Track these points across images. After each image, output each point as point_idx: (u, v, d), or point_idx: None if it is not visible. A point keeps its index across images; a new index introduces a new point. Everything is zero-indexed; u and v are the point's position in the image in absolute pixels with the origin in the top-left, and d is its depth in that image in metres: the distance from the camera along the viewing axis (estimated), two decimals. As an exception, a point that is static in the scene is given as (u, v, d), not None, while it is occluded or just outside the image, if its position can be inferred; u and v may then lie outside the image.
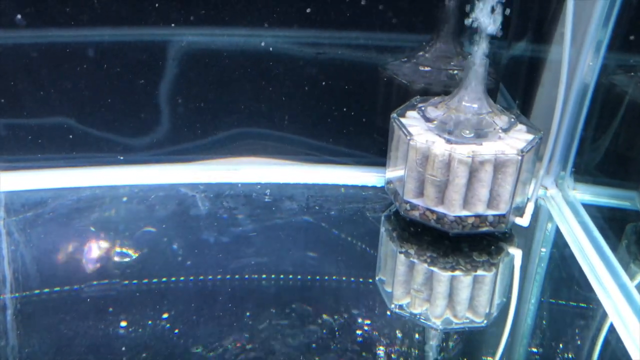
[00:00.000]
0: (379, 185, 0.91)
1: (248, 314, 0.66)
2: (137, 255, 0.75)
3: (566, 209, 0.84)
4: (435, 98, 0.82)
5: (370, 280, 0.74)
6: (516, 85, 0.96)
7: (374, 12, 0.93)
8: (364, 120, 0.97)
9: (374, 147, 0.96)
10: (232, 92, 0.94)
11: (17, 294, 0.68)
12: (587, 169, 0.87)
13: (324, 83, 0.96)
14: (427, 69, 0.92)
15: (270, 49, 0.93)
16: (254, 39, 0.92)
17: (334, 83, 0.96)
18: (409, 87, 0.92)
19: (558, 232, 0.82)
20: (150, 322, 0.65)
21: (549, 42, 0.92)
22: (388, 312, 0.69)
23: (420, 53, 0.94)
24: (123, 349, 0.61)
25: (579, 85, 0.82)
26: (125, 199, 0.86)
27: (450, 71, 0.92)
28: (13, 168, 0.87)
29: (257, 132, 0.96)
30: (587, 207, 0.84)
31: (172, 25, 0.90)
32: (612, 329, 0.67)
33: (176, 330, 0.64)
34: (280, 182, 0.91)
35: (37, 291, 0.69)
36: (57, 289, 0.70)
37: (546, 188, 0.89)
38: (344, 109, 0.97)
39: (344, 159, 0.97)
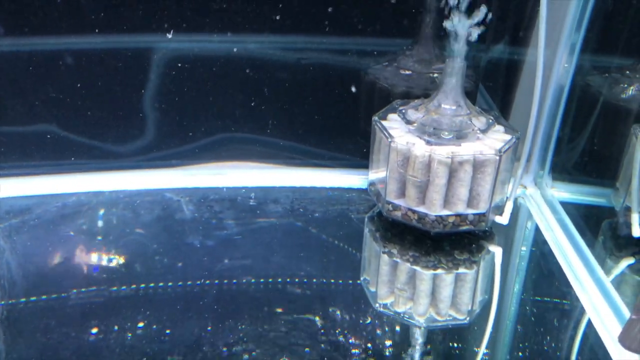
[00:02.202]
0: (362, 187, 0.93)
1: (235, 316, 0.67)
2: (123, 260, 0.76)
3: (545, 207, 0.86)
4: (416, 101, 0.83)
5: (354, 281, 0.75)
6: (495, 87, 0.98)
7: (355, 18, 0.95)
8: (347, 123, 0.99)
9: (357, 150, 0.98)
10: (216, 98, 0.95)
11: (1, 302, 0.69)
12: (564, 167, 0.89)
13: (307, 88, 0.97)
14: (408, 72, 0.94)
15: (254, 55, 0.94)
16: (237, 45, 0.93)
17: (317, 88, 0.97)
18: (390, 90, 0.93)
19: (537, 230, 0.84)
20: (136, 326, 0.65)
21: (526, 45, 0.94)
22: (372, 312, 0.70)
23: (401, 57, 0.96)
24: (109, 355, 0.61)
25: (554, 87, 0.84)
26: (109, 205, 0.86)
27: (431, 74, 0.93)
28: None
29: (242, 137, 0.97)
30: (565, 204, 0.86)
31: (156, 32, 0.90)
32: (589, 323, 0.68)
33: (162, 335, 0.64)
34: (265, 186, 0.92)
35: (22, 299, 0.69)
36: (43, 297, 0.70)
37: (525, 187, 0.91)
38: (327, 113, 0.98)
39: (327, 162, 0.98)
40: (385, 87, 0.94)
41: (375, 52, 0.98)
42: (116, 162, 0.93)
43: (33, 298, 0.70)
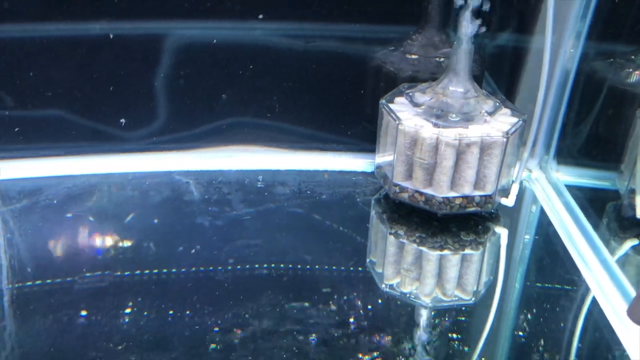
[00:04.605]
0: (368, 170, 0.93)
1: (245, 297, 0.68)
2: (132, 242, 0.77)
3: (550, 190, 0.87)
4: (423, 84, 0.84)
5: (361, 262, 0.76)
6: (500, 73, 0.99)
7: (361, 3, 0.96)
8: (353, 108, 0.99)
9: (363, 134, 0.99)
10: (224, 82, 0.96)
11: (11, 285, 0.69)
12: (569, 152, 0.90)
13: (314, 73, 0.97)
14: (414, 57, 0.95)
15: (262, 40, 0.95)
16: (246, 30, 0.94)
17: (324, 72, 0.98)
18: (397, 75, 0.94)
19: (542, 212, 0.85)
20: (146, 309, 0.66)
21: (531, 32, 0.94)
22: (379, 292, 0.71)
23: (408, 42, 0.96)
24: (119, 337, 0.62)
25: (560, 72, 0.85)
26: (119, 186, 0.87)
27: (437, 59, 0.94)
28: (8, 157, 0.88)
29: (249, 122, 0.98)
30: (570, 188, 0.87)
31: (166, 16, 0.91)
32: (594, 301, 0.70)
33: (171, 317, 0.65)
34: (272, 169, 0.93)
35: (29, 282, 0.70)
36: (49, 280, 0.71)
37: (530, 171, 0.92)
38: (333, 98, 0.99)
39: (333, 146, 0.99)
40: (392, 72, 0.94)
41: (381, 37, 0.98)
42: (125, 145, 0.94)
43: (38, 282, 0.70)
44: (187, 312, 0.65)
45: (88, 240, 0.77)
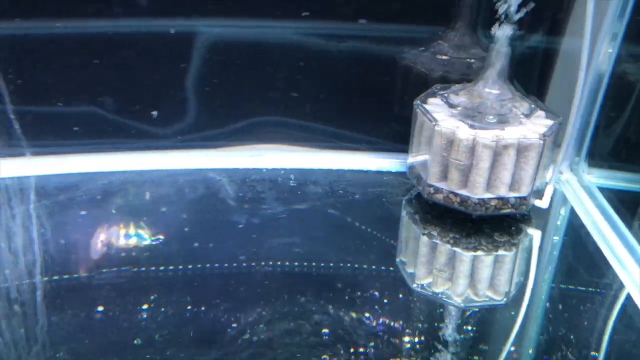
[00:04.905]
0: (398, 170, 0.94)
1: (279, 294, 0.69)
2: (170, 237, 0.78)
3: (581, 192, 0.88)
4: (456, 85, 0.85)
5: (392, 262, 0.77)
6: (530, 75, 0.99)
7: (391, 2, 0.96)
8: (381, 108, 1.00)
9: (391, 134, 0.99)
10: (254, 81, 0.97)
11: (46, 278, 0.70)
12: (600, 154, 0.91)
13: (343, 72, 0.98)
14: (445, 57, 0.95)
15: (292, 40, 0.95)
16: (277, 29, 0.95)
17: (354, 72, 0.98)
18: (427, 75, 0.94)
19: (573, 213, 0.86)
20: (180, 305, 0.67)
21: (561, 34, 0.95)
22: (410, 292, 0.72)
23: (438, 42, 0.97)
24: (153, 332, 0.63)
25: (594, 74, 0.85)
26: (154, 183, 0.88)
27: (468, 60, 0.95)
28: (44, 153, 0.89)
29: (279, 121, 0.99)
30: (601, 190, 0.87)
31: (197, 15, 0.92)
32: (630, 301, 0.70)
33: (205, 313, 0.66)
34: (302, 168, 0.94)
35: (65, 275, 0.71)
36: (92, 274, 0.72)
37: (561, 172, 0.92)
38: (363, 98, 1.00)
39: (361, 146, 0.99)
40: (423, 72, 0.95)
41: (411, 38, 0.99)
42: (155, 142, 0.95)
43: (75, 275, 0.71)
44: (225, 309, 0.66)
45: (125, 236, 0.78)
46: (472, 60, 0.94)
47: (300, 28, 0.96)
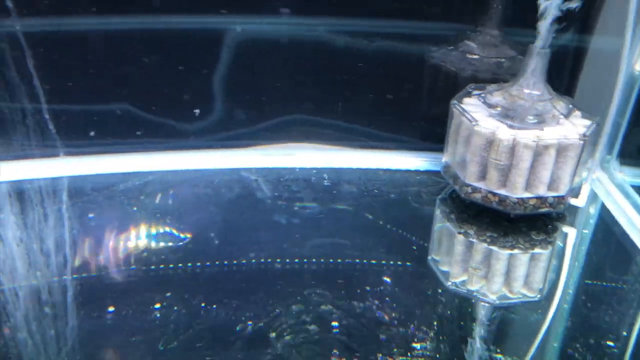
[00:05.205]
0: (425, 169, 0.94)
1: (321, 292, 0.70)
2: (212, 237, 0.78)
3: (614, 190, 0.89)
4: (492, 85, 0.85)
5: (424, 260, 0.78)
6: (561, 73, 1.00)
7: (421, 1, 0.97)
8: (411, 107, 1.00)
9: (419, 133, 1.00)
10: (285, 80, 0.97)
11: (78, 275, 0.71)
12: (631, 152, 0.92)
13: (373, 71, 0.98)
14: (475, 56, 0.95)
15: (323, 38, 0.96)
16: (308, 27, 0.95)
17: (383, 71, 0.99)
18: (457, 74, 0.95)
19: (605, 210, 0.87)
20: (218, 302, 0.68)
21: (590, 32, 0.95)
22: (444, 289, 0.73)
23: (467, 41, 0.97)
24: (190, 330, 0.64)
25: (625, 73, 0.86)
26: (188, 182, 0.88)
27: (498, 59, 0.95)
28: (78, 153, 0.89)
29: (309, 120, 0.99)
30: (634, 187, 0.88)
31: (228, 13, 0.92)
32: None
33: (243, 312, 0.67)
34: (334, 167, 0.94)
35: (103, 272, 0.72)
36: (135, 271, 0.72)
37: (592, 171, 0.93)
38: (391, 96, 1.00)
39: (390, 145, 1.00)
40: (452, 71, 0.95)
41: (439, 36, 0.99)
42: (187, 141, 0.95)
43: (110, 273, 0.72)
44: (265, 304, 0.67)
45: (160, 234, 0.78)
46: (503, 60, 0.95)
47: (330, 25, 0.96)
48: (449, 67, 0.95)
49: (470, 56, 0.96)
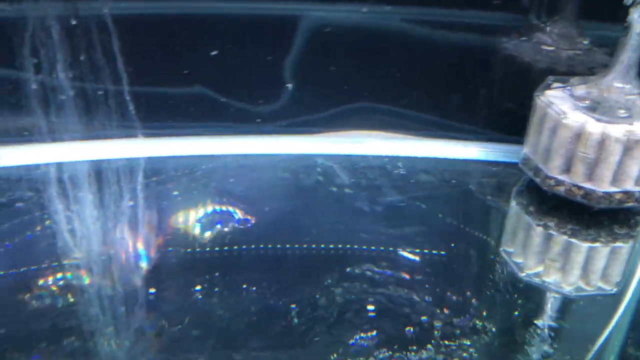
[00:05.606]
0: (500, 160, 0.94)
1: (396, 281, 0.71)
2: (293, 221, 0.79)
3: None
4: (575, 78, 0.85)
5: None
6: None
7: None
8: (482, 98, 1.00)
9: (492, 124, 0.99)
10: (355, 68, 0.97)
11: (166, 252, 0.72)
12: None
13: (443, 61, 0.98)
14: (549, 48, 0.95)
15: (394, 27, 0.95)
16: (377, 16, 0.94)
17: (453, 61, 0.98)
18: (531, 66, 0.94)
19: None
20: (291, 287, 0.69)
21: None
22: (518, 280, 0.73)
23: (541, 32, 0.96)
24: (253, 309, 0.65)
25: None
26: (260, 168, 0.89)
27: (573, 51, 0.94)
28: (156, 135, 0.90)
29: (378, 107, 0.99)
30: None
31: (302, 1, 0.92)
32: None
33: (327, 295, 0.68)
34: (405, 155, 0.94)
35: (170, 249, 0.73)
36: (190, 249, 0.73)
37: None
38: (463, 87, 0.99)
39: (462, 135, 0.99)
40: (526, 63, 0.95)
41: (511, 27, 0.98)
42: (258, 126, 0.96)
43: (182, 250, 0.73)
44: (348, 291, 0.68)
45: (236, 218, 0.79)
46: (579, 52, 0.94)
47: (402, 14, 0.95)
48: (524, 59, 0.95)
49: (546, 48, 0.95)
